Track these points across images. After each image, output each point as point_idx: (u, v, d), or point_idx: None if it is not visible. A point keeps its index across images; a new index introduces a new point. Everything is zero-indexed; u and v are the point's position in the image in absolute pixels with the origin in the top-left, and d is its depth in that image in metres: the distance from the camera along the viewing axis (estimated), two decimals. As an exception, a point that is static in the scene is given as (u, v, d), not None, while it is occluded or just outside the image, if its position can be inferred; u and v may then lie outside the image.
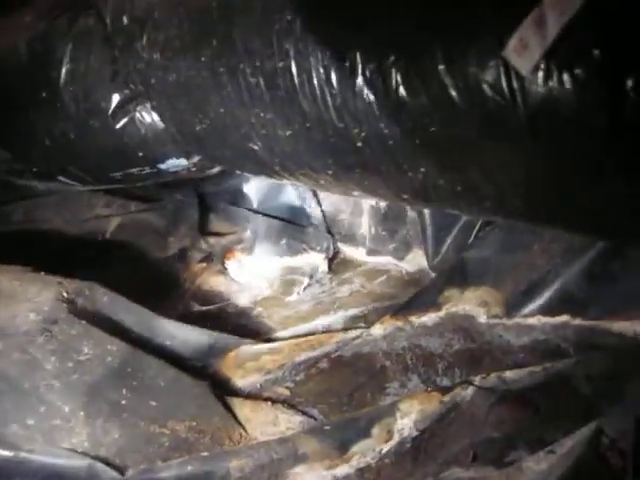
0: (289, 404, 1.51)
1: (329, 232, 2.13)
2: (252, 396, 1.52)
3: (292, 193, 2.14)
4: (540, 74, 0.85)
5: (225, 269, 2.04)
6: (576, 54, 0.82)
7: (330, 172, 1.18)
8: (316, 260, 2.07)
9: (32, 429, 1.30)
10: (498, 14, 0.88)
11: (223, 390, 1.51)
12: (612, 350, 1.49)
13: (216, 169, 1.47)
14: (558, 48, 0.82)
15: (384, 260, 2.04)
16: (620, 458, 1.25)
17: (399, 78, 0.97)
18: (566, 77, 0.83)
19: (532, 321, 1.61)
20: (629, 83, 0.78)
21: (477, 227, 1.82)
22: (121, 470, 1.27)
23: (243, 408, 1.46)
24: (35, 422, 1.31)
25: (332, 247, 2.10)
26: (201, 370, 1.54)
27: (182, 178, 1.59)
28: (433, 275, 1.91)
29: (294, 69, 1.08)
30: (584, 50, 0.81)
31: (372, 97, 1.01)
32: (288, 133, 1.15)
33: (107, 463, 1.27)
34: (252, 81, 1.14)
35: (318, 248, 2.09)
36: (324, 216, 2.14)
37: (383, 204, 2.02)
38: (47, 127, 1.49)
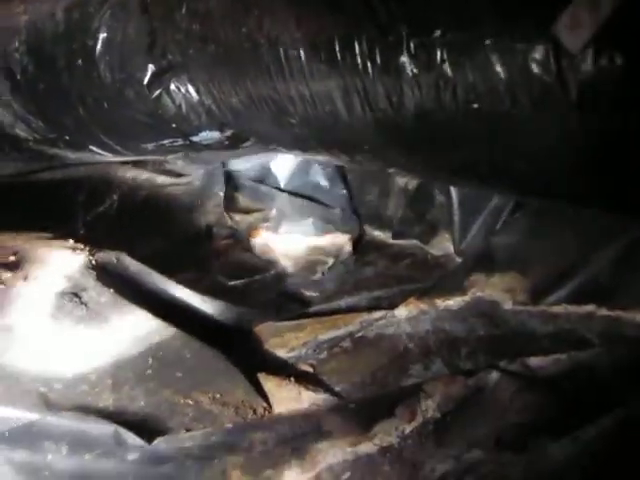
0: (312, 381, 1.52)
1: (355, 213, 2.13)
2: (276, 372, 1.52)
3: (319, 173, 2.14)
4: (590, 53, 0.84)
5: (250, 246, 2.04)
6: (629, 33, 0.81)
7: (367, 147, 1.17)
8: (341, 241, 2.06)
9: (59, 393, 1.31)
10: (550, -10, 0.87)
11: (247, 364, 1.51)
12: (637, 341, 1.48)
13: (248, 143, 1.46)
14: (610, 27, 0.81)
15: (410, 243, 2.03)
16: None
17: (444, 53, 0.96)
18: (618, 56, 0.82)
19: (558, 309, 1.60)
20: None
21: (505, 213, 1.81)
22: (147, 438, 1.28)
23: (267, 383, 1.47)
24: (63, 387, 1.32)
25: (358, 228, 2.10)
26: (226, 344, 1.54)
27: (213, 152, 1.58)
28: (459, 260, 1.90)
29: (337, 41, 1.07)
30: (637, 29, 0.80)
31: (416, 72, 1.00)
32: (327, 107, 1.15)
33: (133, 430, 1.28)
34: (293, 53, 1.13)
35: (344, 229, 2.08)
36: (351, 197, 2.14)
37: (411, 186, 2.01)
38: (81, 95, 1.49)
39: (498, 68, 0.92)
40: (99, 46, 1.41)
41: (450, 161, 1.08)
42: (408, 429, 1.36)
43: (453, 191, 1.88)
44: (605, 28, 0.81)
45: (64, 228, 1.62)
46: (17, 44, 1.53)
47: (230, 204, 2.14)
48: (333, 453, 1.32)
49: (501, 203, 1.81)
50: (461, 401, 1.39)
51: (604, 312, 1.55)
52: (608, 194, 0.99)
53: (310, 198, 2.14)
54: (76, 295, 1.42)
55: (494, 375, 1.42)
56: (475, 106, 0.97)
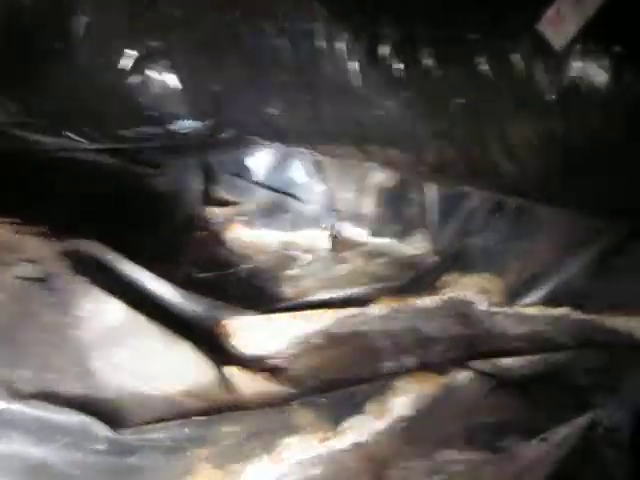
0: (283, 376, 1.51)
1: (332, 210, 2.12)
2: (246, 366, 1.51)
3: (298, 168, 2.12)
4: (574, 50, 0.84)
5: (225, 240, 2.03)
6: (614, 31, 0.81)
7: (348, 140, 1.17)
8: (317, 237, 2.05)
9: (25, 382, 1.28)
10: (536, -15, 0.87)
11: (218, 358, 1.49)
12: (609, 345, 1.49)
13: (227, 134, 1.45)
14: (595, 24, 0.81)
15: (385, 241, 2.03)
16: (613, 450, 1.26)
17: (427, 47, 0.96)
18: (602, 55, 0.82)
19: (532, 311, 1.61)
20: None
21: (482, 214, 1.81)
22: (115, 428, 1.26)
23: (237, 377, 1.45)
24: (28, 375, 1.29)
25: (334, 225, 2.09)
26: (197, 336, 1.52)
27: (191, 142, 1.57)
28: (434, 259, 1.90)
29: (320, 32, 1.07)
30: (623, 28, 0.80)
31: (398, 65, 1.00)
32: (308, 98, 1.14)
33: (101, 420, 1.25)
34: (276, 43, 1.13)
35: (320, 225, 2.08)
36: (328, 193, 2.13)
37: (389, 184, 2.00)
38: (59, 79, 1.46)
39: (482, 64, 0.92)
40: (79, 29, 1.39)
41: (429, 156, 1.07)
42: (379, 426, 1.35)
43: (431, 190, 1.88)
44: (590, 26, 0.81)
45: (36, 214, 1.59)
46: (-7, 24, 1.50)
47: (206, 197, 2.12)
48: (302, 448, 1.31)
49: (478, 204, 1.82)
50: (432, 399, 1.39)
51: (577, 316, 1.56)
52: (588, 195, 0.99)
53: (287, 194, 2.13)
54: (45, 281, 1.40)
55: (466, 375, 1.42)
56: (458, 101, 0.97)
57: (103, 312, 1.41)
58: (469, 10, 0.92)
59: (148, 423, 1.30)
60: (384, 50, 0.98)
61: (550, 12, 0.83)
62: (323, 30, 1.05)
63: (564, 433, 1.29)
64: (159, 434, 1.28)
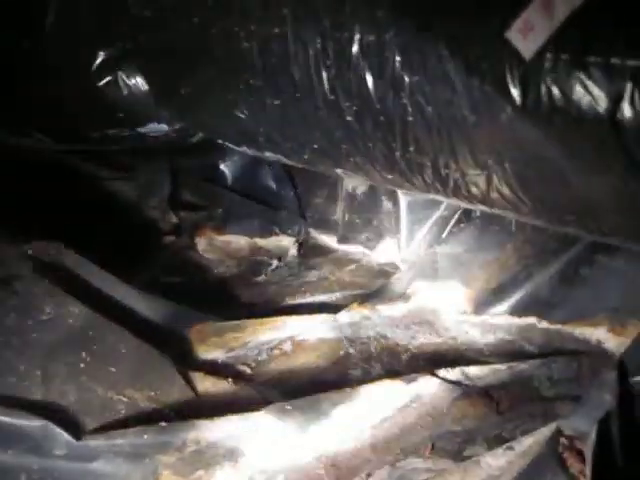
0: (250, 382, 1.49)
1: (302, 216, 2.12)
2: (213, 371, 1.50)
3: (268, 174, 2.13)
4: (543, 59, 0.84)
5: (194, 244, 2.02)
6: (585, 40, 0.81)
7: (316, 146, 1.16)
8: (286, 243, 2.05)
9: (-15, 385, 1.26)
10: (505, -6, 0.87)
11: (184, 363, 1.48)
12: (575, 355, 1.50)
13: (196, 138, 1.44)
14: (565, 33, 0.82)
15: (355, 249, 2.03)
16: (577, 458, 1.26)
17: (397, 53, 0.96)
18: (573, 64, 0.82)
19: (499, 320, 1.62)
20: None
21: (451, 223, 1.82)
22: (76, 433, 1.23)
23: (203, 382, 1.44)
24: (-12, 378, 1.27)
25: (303, 231, 2.09)
26: (163, 341, 1.51)
27: (159, 145, 1.55)
28: (403, 267, 1.91)
29: (290, 36, 1.06)
30: (593, 36, 0.80)
31: (367, 71, 0.99)
32: (276, 102, 1.13)
33: (62, 425, 1.23)
34: (245, 46, 1.12)
35: (289, 231, 2.08)
36: (298, 200, 2.13)
37: (359, 192, 2.01)
38: (27, 79, 1.45)
39: (451, 71, 0.92)
40: (47, 29, 1.38)
41: (397, 163, 1.07)
42: (345, 433, 1.35)
43: (401, 198, 1.88)
44: (559, 34, 0.81)
45: (1, 216, 1.57)
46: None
47: (175, 201, 2.11)
48: (267, 456, 1.30)
49: (447, 213, 1.83)
50: (399, 407, 1.39)
51: (544, 325, 1.58)
52: (558, 205, 0.99)
53: (257, 199, 2.13)
54: (8, 283, 1.37)
55: (433, 382, 1.42)
56: (428, 108, 0.96)
57: (66, 315, 1.39)
58: (437, 17, 0.92)
59: (110, 428, 1.28)
60: (353, 55, 0.98)
61: (519, 21, 0.83)
62: (293, 34, 1.04)
63: (529, 442, 1.29)
64: (122, 440, 1.26)
